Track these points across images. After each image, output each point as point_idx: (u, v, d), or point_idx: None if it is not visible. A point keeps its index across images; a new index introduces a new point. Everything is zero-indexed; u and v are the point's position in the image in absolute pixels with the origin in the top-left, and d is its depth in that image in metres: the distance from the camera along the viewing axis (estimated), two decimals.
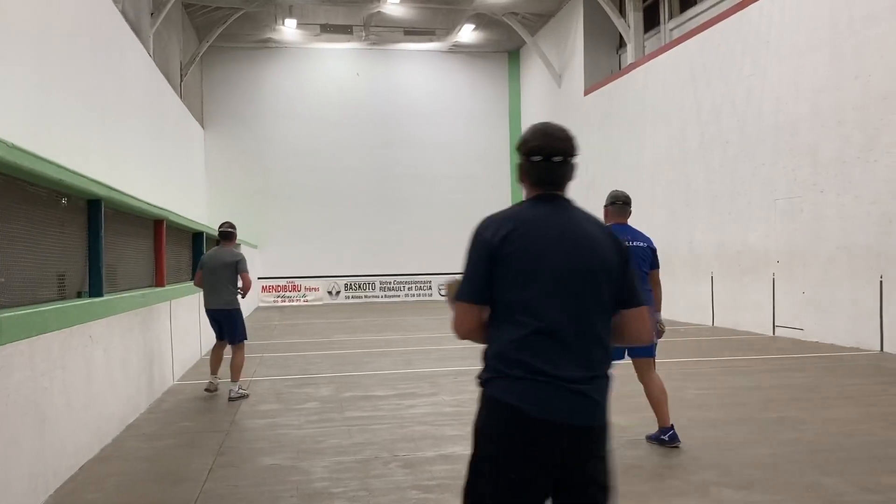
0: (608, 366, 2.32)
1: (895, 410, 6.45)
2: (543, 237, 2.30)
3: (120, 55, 13.76)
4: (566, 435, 2.19)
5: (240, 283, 7.71)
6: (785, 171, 12.39)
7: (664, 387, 5.38)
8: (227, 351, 7.91)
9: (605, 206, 5.60)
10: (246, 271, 7.69)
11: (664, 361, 9.45)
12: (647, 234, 5.67)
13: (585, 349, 2.26)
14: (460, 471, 4.80)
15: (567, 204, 2.42)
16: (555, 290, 2.26)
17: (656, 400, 5.33)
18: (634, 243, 5.42)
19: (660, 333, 5.37)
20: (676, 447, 5.25)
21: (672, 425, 5.31)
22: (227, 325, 7.73)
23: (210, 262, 7.78)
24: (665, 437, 5.28)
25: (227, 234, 7.90)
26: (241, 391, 7.60)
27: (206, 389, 7.76)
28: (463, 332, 2.40)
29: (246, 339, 7.87)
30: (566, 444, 2.19)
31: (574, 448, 2.21)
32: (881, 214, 10.33)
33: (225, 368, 7.93)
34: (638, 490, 4.36)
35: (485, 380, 2.35)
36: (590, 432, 2.23)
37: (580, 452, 2.22)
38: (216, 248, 8.02)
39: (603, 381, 2.29)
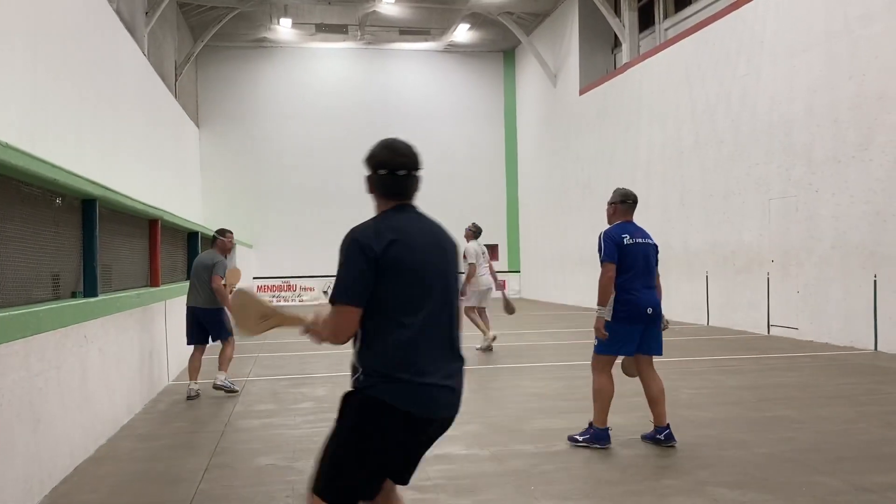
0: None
1: (890, 409, 6.48)
2: (422, 243, 2.56)
3: (114, 54, 13.72)
4: (438, 424, 2.56)
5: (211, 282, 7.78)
6: (779, 170, 12.42)
7: (663, 387, 5.41)
8: (207, 351, 8.08)
9: (614, 204, 5.55)
10: (216, 274, 7.73)
11: (659, 361, 9.47)
12: None
13: (456, 341, 2.61)
14: (457, 471, 4.83)
15: (419, 212, 2.70)
16: (434, 291, 2.53)
17: (654, 399, 5.35)
18: (645, 240, 5.44)
19: (664, 329, 5.47)
20: (672, 447, 5.26)
21: (668, 424, 5.33)
22: (211, 324, 7.86)
23: (195, 263, 8.04)
24: (661, 437, 5.30)
25: (213, 238, 8.23)
26: (228, 382, 7.75)
27: (189, 397, 7.66)
28: (346, 337, 2.51)
29: (232, 334, 7.98)
30: (433, 431, 2.57)
31: (436, 433, 2.59)
32: (875, 214, 10.37)
33: (206, 368, 8.05)
34: (633, 489, 4.37)
35: (369, 384, 2.48)
36: (452, 420, 2.62)
37: (436, 436, 2.61)
38: (208, 250, 8.23)
39: (464, 369, 2.65)
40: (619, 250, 5.26)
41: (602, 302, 5.21)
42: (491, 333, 10.95)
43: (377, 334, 2.47)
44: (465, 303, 10.96)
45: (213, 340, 7.98)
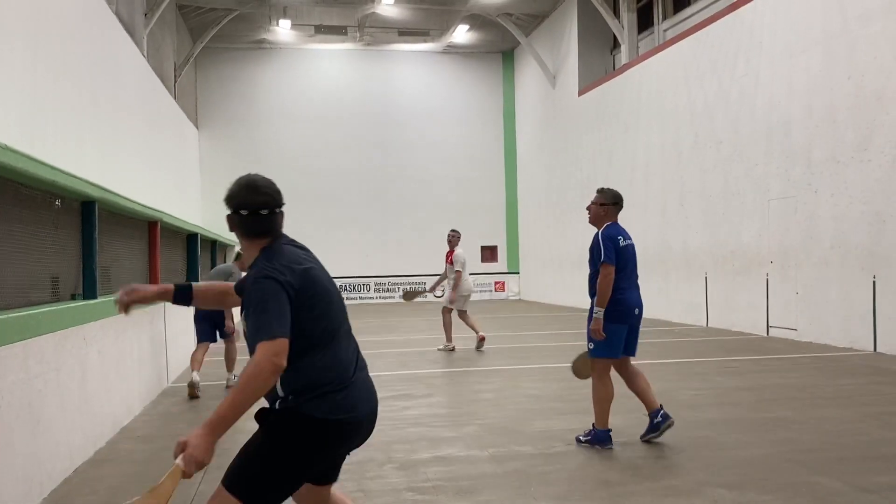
0: None
1: (889, 410, 6.48)
2: (321, 270, 2.68)
3: (114, 56, 13.73)
4: (372, 420, 2.73)
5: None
6: (778, 171, 12.43)
7: (645, 377, 5.56)
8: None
9: (606, 206, 5.51)
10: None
11: (658, 362, 9.49)
12: (641, 234, 5.76)
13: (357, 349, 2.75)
14: (456, 472, 4.83)
15: (294, 241, 2.76)
16: (342, 310, 2.68)
17: (642, 391, 5.48)
18: (628, 241, 5.49)
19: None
20: (670, 425, 5.39)
21: (661, 405, 5.47)
22: (221, 322, 8.42)
23: (216, 270, 8.96)
24: (658, 419, 5.40)
25: (237, 255, 9.51)
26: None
27: (190, 395, 7.77)
28: (282, 366, 2.45)
29: (232, 334, 8.51)
30: (366, 427, 2.71)
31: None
32: (874, 214, 10.38)
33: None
34: (632, 490, 4.37)
35: (301, 403, 2.53)
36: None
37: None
38: (231, 263, 9.25)
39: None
40: (616, 252, 5.32)
41: (601, 304, 5.24)
42: (451, 344, 11.35)
43: (301, 357, 2.54)
44: (454, 307, 11.43)
45: (222, 337, 8.51)
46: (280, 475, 2.50)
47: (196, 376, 7.88)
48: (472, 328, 11.41)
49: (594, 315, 5.27)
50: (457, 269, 11.33)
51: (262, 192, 2.66)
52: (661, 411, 5.43)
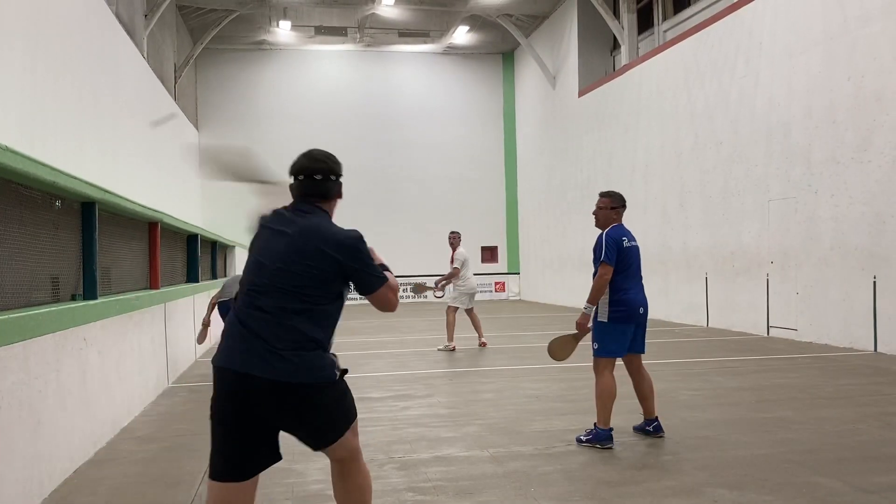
0: None
1: (889, 410, 6.48)
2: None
3: (114, 57, 13.73)
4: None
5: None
6: (778, 171, 12.43)
7: (652, 383, 5.72)
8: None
9: (616, 208, 5.62)
10: None
11: (659, 362, 9.48)
12: (641, 235, 5.84)
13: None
14: (456, 472, 4.84)
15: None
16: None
17: (645, 395, 5.65)
18: (633, 243, 5.57)
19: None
20: (661, 437, 5.56)
21: (656, 417, 5.65)
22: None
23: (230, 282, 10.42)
24: (650, 428, 5.63)
25: None
26: None
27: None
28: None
29: None
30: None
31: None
32: (874, 215, 10.38)
33: None
34: (632, 490, 4.37)
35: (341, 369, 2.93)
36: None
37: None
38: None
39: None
40: (618, 252, 5.41)
41: (593, 300, 5.37)
42: (452, 344, 11.42)
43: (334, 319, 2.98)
44: (458, 304, 11.63)
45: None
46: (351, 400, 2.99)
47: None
48: (477, 330, 11.68)
49: (583, 310, 5.44)
50: (455, 265, 11.53)
51: (309, 157, 3.20)
52: (656, 423, 5.62)
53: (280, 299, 2.76)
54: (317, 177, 2.99)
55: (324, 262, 2.80)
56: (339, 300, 2.90)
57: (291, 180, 3.01)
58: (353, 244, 2.87)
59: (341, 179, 3.08)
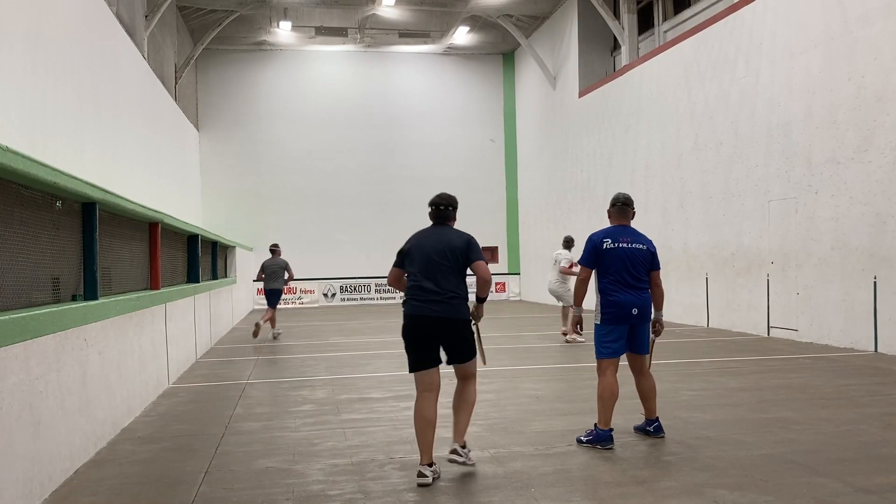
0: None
1: (890, 411, 6.48)
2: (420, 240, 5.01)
3: (114, 58, 13.74)
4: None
5: (286, 276, 14.10)
6: (779, 172, 12.43)
7: (654, 384, 5.76)
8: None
9: (609, 209, 5.82)
10: (291, 270, 14.27)
11: (659, 363, 9.48)
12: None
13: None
14: (456, 473, 4.84)
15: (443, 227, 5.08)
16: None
17: (646, 396, 5.70)
18: (632, 245, 5.50)
19: (658, 332, 5.73)
20: (661, 438, 5.59)
21: (657, 417, 5.70)
22: (273, 297, 13.97)
23: (270, 265, 14.06)
24: (650, 429, 5.66)
25: (273, 250, 14.50)
26: (279, 332, 14.27)
27: (274, 337, 13.95)
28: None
29: (276, 306, 13.98)
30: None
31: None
32: (875, 215, 10.38)
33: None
34: (633, 491, 4.37)
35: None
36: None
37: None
38: (271, 257, 14.20)
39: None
40: (595, 254, 5.54)
41: (576, 302, 5.65)
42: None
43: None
44: None
45: (271, 305, 13.94)
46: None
47: (278, 331, 14.24)
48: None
49: (572, 311, 5.70)
50: None
51: (438, 196, 5.13)
52: (656, 423, 5.67)
53: (441, 273, 4.79)
54: (446, 207, 5.07)
55: (457, 251, 4.84)
56: (465, 273, 4.87)
57: (432, 208, 5.02)
58: (470, 240, 4.93)
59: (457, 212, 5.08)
